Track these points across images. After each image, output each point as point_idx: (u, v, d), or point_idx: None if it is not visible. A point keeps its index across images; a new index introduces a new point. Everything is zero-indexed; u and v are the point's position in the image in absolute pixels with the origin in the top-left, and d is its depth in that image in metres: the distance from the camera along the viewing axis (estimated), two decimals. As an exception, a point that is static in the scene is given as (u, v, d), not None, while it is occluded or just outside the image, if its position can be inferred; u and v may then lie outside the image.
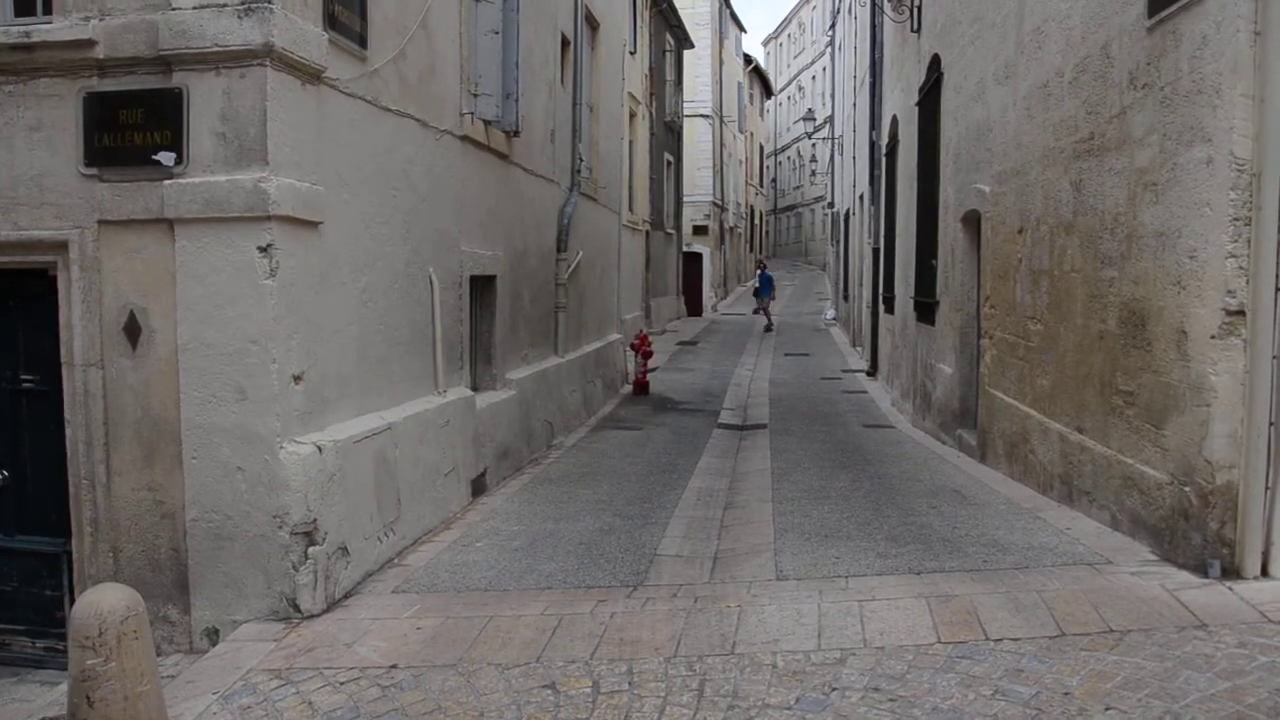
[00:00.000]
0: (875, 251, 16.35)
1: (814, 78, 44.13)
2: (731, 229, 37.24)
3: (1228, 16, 4.18)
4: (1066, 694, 3.38)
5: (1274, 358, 4.22)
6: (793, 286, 36.82)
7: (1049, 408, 6.35)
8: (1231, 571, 4.30)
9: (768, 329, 24.61)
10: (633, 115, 19.37)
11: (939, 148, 9.90)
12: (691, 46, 27.50)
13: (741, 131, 39.57)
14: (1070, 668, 3.58)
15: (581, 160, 11.25)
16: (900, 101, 12.98)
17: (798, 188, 49.82)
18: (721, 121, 33.13)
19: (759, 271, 27.92)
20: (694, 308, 28.83)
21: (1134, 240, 5.03)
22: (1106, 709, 3.25)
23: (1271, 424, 4.24)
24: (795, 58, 50.27)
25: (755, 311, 26.67)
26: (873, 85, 16.49)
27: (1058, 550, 5.09)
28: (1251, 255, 4.19)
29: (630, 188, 18.89)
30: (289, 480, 4.68)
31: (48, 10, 4.84)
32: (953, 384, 9.12)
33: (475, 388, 7.71)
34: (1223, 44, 4.21)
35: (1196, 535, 4.42)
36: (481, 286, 7.94)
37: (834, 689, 3.56)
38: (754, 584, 4.87)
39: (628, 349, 14.60)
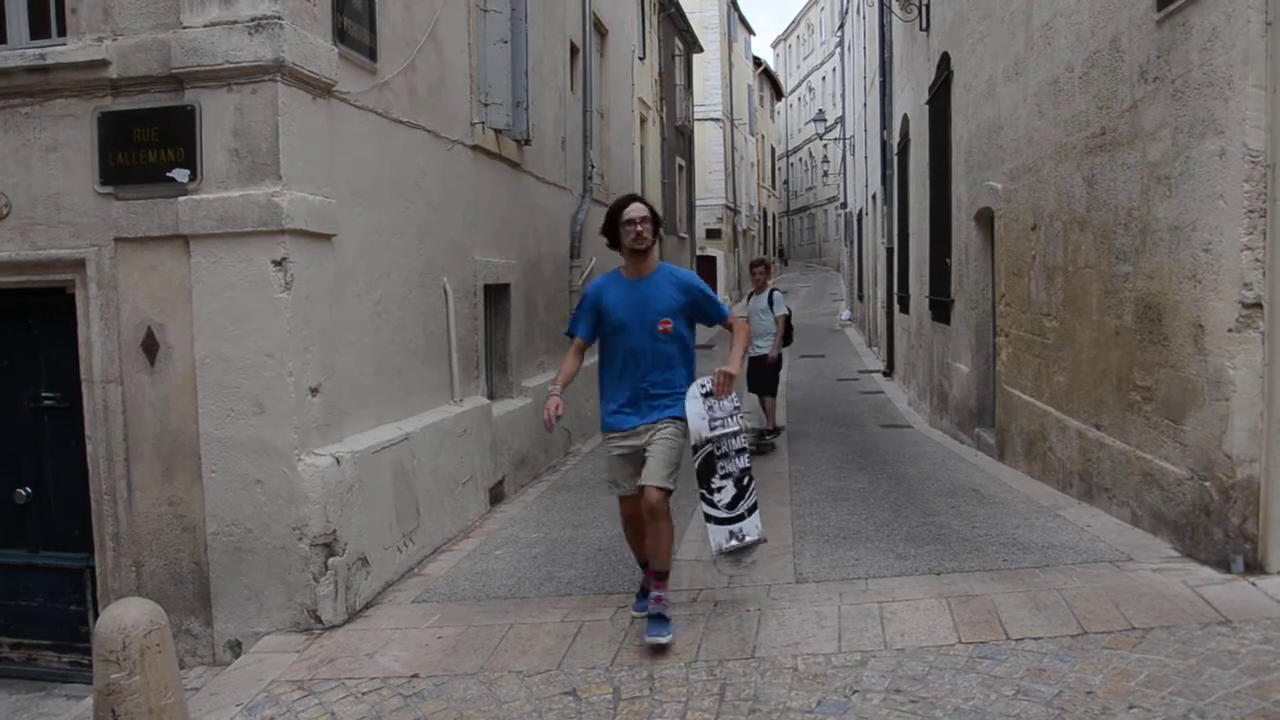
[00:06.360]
0: (889, 251, 16.30)
1: (824, 78, 44.04)
2: (745, 231, 37.22)
3: (1238, 8, 4.15)
4: (1089, 693, 3.36)
5: (1293, 350, 4.19)
6: (807, 288, 36.75)
7: (1067, 404, 6.31)
8: (1254, 566, 4.27)
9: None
10: (643, 120, 19.38)
11: (950, 146, 9.87)
12: (700, 50, 27.51)
13: (752, 134, 39.57)
14: (1093, 666, 3.56)
15: (593, 167, 11.27)
16: (911, 100, 12.95)
17: (810, 189, 49.73)
18: (732, 124, 33.14)
19: (753, 292, 9.81)
20: (708, 311, 28.71)
21: (1148, 235, 5.00)
22: (1130, 707, 3.23)
23: (1292, 417, 4.20)
24: (805, 59, 50.20)
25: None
26: (883, 85, 16.46)
27: (1078, 548, 5.06)
28: (1267, 247, 4.16)
29: (642, 193, 18.92)
30: (308, 492, 4.70)
31: (61, 32, 4.90)
32: (969, 382, 9.07)
33: (492, 396, 7.74)
34: (1233, 35, 4.19)
35: (1218, 530, 4.38)
36: (496, 295, 7.96)
37: (855, 691, 3.55)
38: (773, 587, 4.86)
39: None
